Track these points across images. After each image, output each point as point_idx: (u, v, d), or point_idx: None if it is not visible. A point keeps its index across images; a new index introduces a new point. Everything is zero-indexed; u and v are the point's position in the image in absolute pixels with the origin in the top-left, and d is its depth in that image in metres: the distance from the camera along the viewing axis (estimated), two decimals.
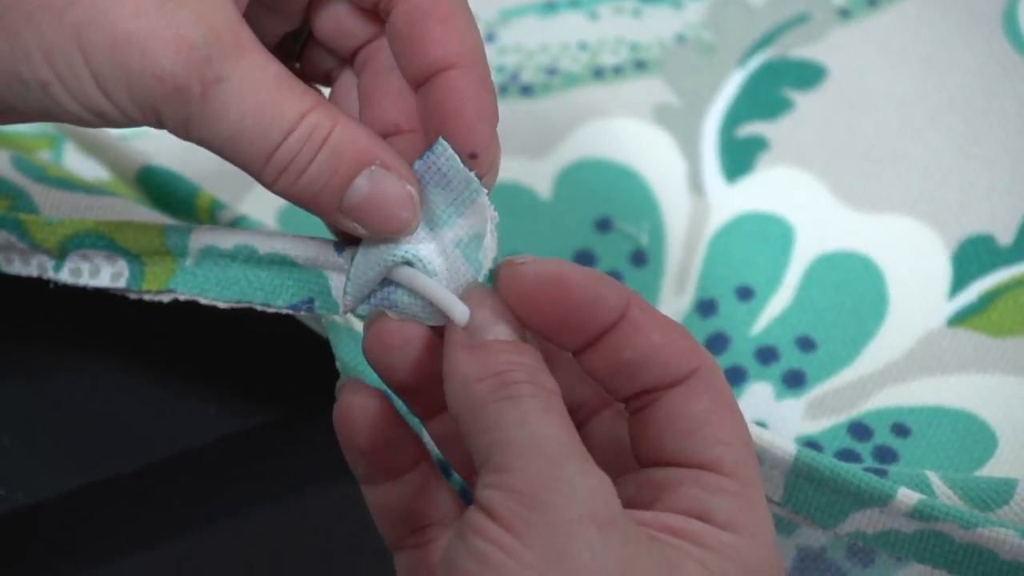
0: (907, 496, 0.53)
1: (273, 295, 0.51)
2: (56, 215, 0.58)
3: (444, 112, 0.48)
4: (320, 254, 0.50)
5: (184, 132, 0.46)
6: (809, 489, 0.53)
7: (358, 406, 0.49)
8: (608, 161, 0.71)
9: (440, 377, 0.49)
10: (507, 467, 0.42)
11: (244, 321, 0.54)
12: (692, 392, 0.46)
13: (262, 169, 0.46)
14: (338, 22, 0.52)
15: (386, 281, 0.49)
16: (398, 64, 0.49)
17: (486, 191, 0.49)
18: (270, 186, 0.47)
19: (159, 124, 0.46)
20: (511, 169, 0.72)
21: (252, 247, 0.51)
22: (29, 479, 0.61)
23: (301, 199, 0.47)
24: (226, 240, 0.51)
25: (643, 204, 0.70)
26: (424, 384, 0.49)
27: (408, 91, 0.50)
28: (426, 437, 0.52)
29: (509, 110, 0.74)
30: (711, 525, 0.44)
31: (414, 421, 0.52)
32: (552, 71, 0.75)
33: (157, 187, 0.65)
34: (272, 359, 0.63)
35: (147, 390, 0.63)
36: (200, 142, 0.46)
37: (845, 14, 0.77)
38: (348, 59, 0.52)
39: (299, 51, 0.53)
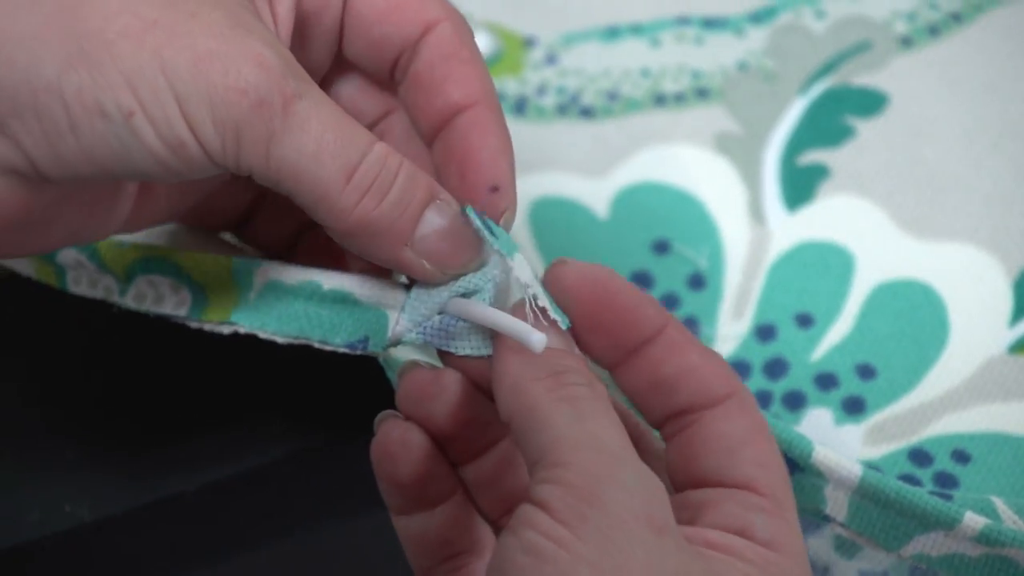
0: (974, 521, 0.52)
1: (331, 333, 0.51)
2: (128, 236, 0.59)
3: (468, 147, 0.48)
4: (385, 293, 0.50)
5: (264, 156, 0.45)
6: (874, 511, 0.53)
7: (397, 440, 0.50)
8: (667, 185, 0.72)
9: (477, 422, 0.49)
10: (563, 463, 0.42)
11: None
12: (729, 414, 0.46)
13: (343, 190, 0.46)
14: (351, 102, 0.53)
15: (443, 312, 0.50)
16: (416, 114, 0.50)
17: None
18: (348, 211, 0.46)
19: (236, 152, 0.45)
20: (568, 186, 0.72)
21: (317, 283, 0.51)
22: (94, 495, 0.61)
23: (376, 228, 0.47)
24: (291, 277, 0.52)
25: (702, 229, 0.70)
26: (460, 430, 0.49)
27: (426, 157, 0.51)
28: None
29: (568, 130, 0.75)
30: (751, 542, 0.44)
31: None
32: (613, 96, 0.75)
33: None
34: (337, 378, 0.63)
35: (211, 408, 0.64)
36: (279, 165, 0.45)
37: (907, 42, 0.77)
38: None
39: None
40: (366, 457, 0.63)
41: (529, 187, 0.72)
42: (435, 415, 0.49)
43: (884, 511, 0.53)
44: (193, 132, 0.44)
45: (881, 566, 0.55)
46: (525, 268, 0.48)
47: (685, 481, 0.47)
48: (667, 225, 0.70)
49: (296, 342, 0.52)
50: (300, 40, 0.51)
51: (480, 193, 0.48)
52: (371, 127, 0.53)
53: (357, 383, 0.63)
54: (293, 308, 0.52)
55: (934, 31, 0.77)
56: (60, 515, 0.61)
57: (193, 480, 0.62)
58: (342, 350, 0.51)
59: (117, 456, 0.63)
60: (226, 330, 0.53)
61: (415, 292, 0.50)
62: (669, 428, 0.47)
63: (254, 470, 0.63)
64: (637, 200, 0.71)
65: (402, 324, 0.50)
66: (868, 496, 0.53)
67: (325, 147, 0.45)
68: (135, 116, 0.44)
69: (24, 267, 0.59)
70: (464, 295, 0.49)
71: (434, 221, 0.47)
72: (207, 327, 0.54)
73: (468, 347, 0.49)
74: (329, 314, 0.51)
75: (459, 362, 0.49)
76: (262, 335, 0.52)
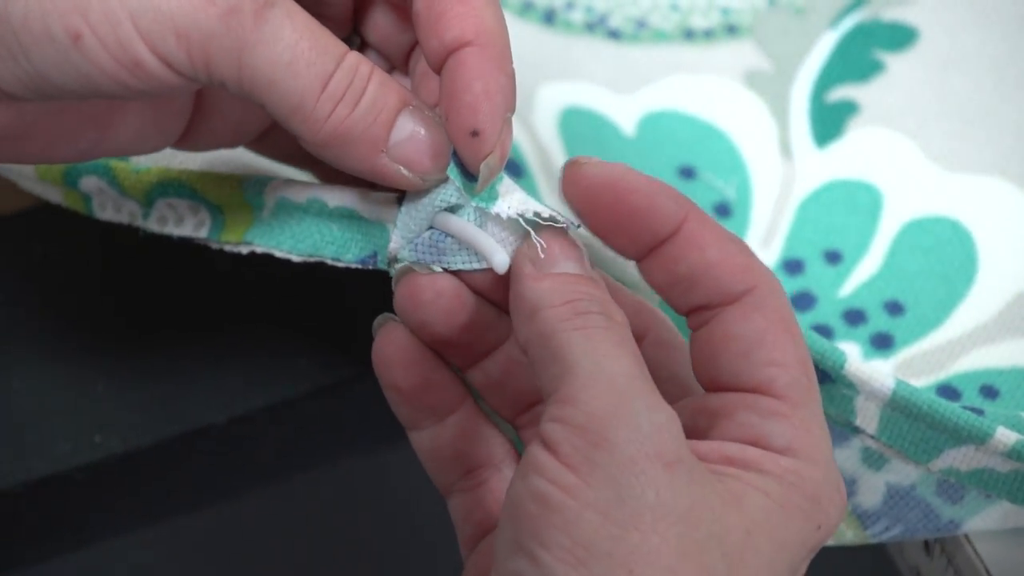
0: (1005, 436, 0.52)
1: (343, 249, 0.51)
2: (144, 160, 0.59)
3: (452, 88, 0.46)
4: (383, 208, 0.50)
5: (236, 67, 0.44)
6: (905, 423, 0.53)
7: (394, 344, 0.49)
8: (695, 117, 0.71)
9: (477, 326, 0.49)
10: (573, 400, 0.42)
11: (335, 272, 0.55)
12: (745, 312, 0.45)
13: (317, 99, 0.45)
14: (383, 29, 0.52)
15: (432, 227, 0.50)
16: (422, 51, 0.48)
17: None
18: (322, 120, 0.45)
19: (205, 65, 0.44)
20: (596, 99, 0.72)
21: (322, 201, 0.51)
22: (124, 427, 0.62)
23: (351, 136, 0.46)
24: (299, 194, 0.52)
25: (730, 163, 0.70)
26: (460, 335, 0.49)
27: None
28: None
29: (594, 48, 0.74)
30: (768, 451, 0.44)
31: None
32: (641, 24, 0.75)
33: None
34: (365, 311, 0.63)
35: (238, 342, 0.64)
36: (253, 75, 0.44)
37: None
38: (403, 63, 0.53)
39: None
40: None
41: (558, 95, 0.71)
42: (432, 320, 0.49)
43: (915, 424, 0.53)
44: (152, 50, 0.43)
45: (909, 479, 0.55)
46: (515, 195, 0.48)
47: (705, 383, 0.47)
48: (694, 154, 0.70)
49: (310, 260, 0.52)
50: None
51: (461, 137, 0.47)
52: (409, 53, 0.52)
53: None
54: (304, 225, 0.52)
55: None
56: (91, 446, 0.61)
57: (222, 412, 0.62)
58: (355, 266, 0.51)
59: (147, 388, 0.63)
60: (244, 250, 0.53)
61: (404, 208, 0.50)
62: (693, 321, 0.47)
63: (282, 403, 0.63)
64: (664, 125, 0.71)
65: (396, 240, 0.50)
66: (900, 408, 0.53)
67: (300, 56, 0.44)
68: (83, 38, 0.43)
69: (53, 194, 0.60)
70: (450, 209, 0.49)
71: (407, 126, 0.47)
72: (227, 248, 0.54)
73: (459, 262, 0.49)
74: (339, 230, 0.51)
75: (455, 273, 0.49)
76: (277, 254, 0.52)
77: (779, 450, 0.44)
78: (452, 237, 0.49)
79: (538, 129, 0.69)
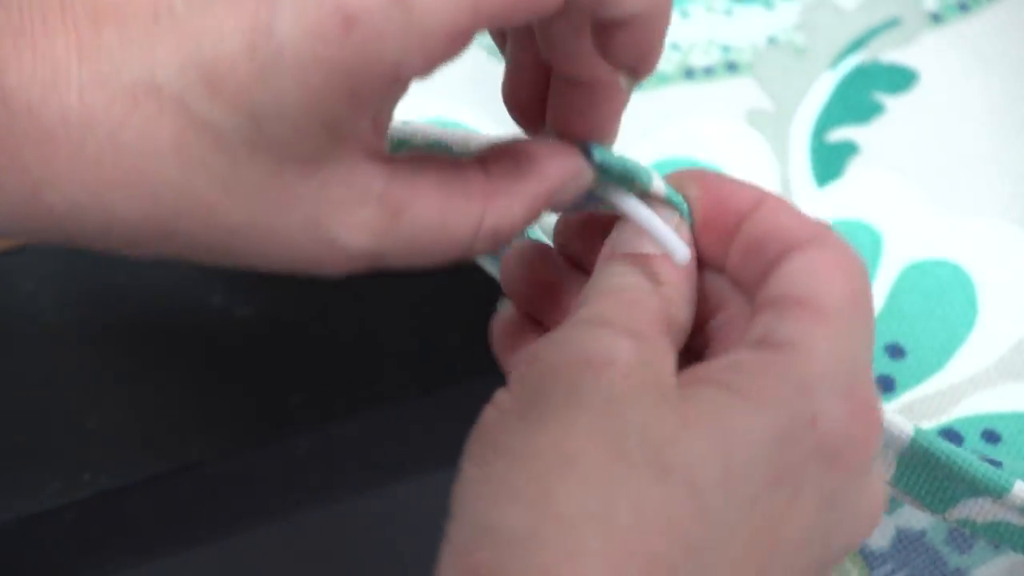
0: (1022, 490, 0.52)
1: None
2: None
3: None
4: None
5: None
6: (922, 472, 0.53)
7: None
8: (697, 162, 0.71)
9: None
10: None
11: (330, 307, 0.54)
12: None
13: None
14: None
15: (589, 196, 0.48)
16: None
17: None
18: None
19: None
20: None
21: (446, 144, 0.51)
22: (114, 464, 0.62)
23: None
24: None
25: None
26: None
27: None
28: None
29: None
30: (764, 349, 0.43)
31: None
32: None
33: None
34: (356, 350, 0.63)
35: (231, 378, 0.64)
36: None
37: (936, 18, 0.76)
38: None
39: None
40: (385, 432, 0.63)
41: None
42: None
43: (932, 473, 0.53)
44: None
45: (920, 525, 0.55)
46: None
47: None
48: None
49: None
50: None
51: None
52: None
53: (382, 359, 0.63)
54: None
55: (964, 7, 0.77)
56: (80, 484, 0.61)
57: (212, 449, 0.62)
58: None
59: (137, 425, 0.63)
60: None
61: None
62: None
63: (275, 440, 0.63)
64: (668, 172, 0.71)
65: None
66: (917, 457, 0.52)
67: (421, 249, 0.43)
68: None
69: None
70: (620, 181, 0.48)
71: None
72: None
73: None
74: None
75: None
76: None
77: (776, 345, 0.43)
78: (616, 209, 0.48)
79: None
